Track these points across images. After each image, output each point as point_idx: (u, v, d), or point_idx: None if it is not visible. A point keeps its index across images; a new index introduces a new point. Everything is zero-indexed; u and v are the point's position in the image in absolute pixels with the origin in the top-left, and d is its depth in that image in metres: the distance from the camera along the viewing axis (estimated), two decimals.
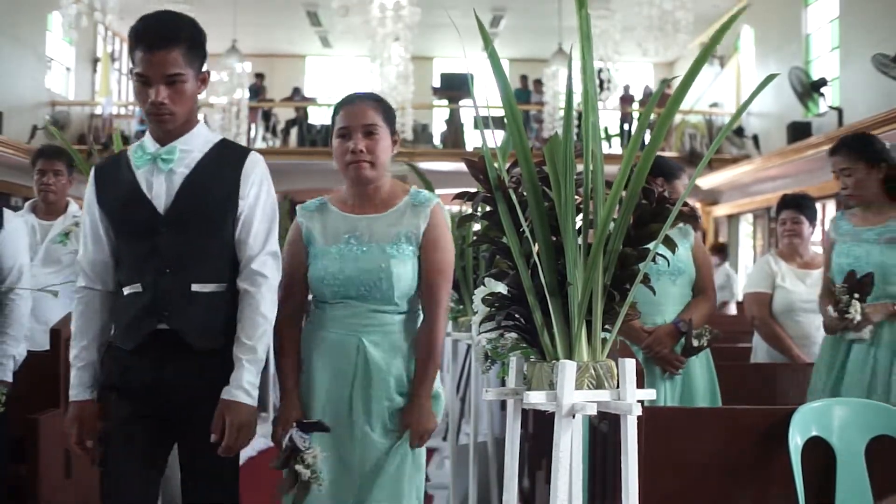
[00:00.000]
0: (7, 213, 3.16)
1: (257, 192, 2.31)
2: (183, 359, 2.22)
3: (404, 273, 2.35)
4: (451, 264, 2.45)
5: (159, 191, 2.26)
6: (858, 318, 3.14)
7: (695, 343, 3.10)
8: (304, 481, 2.23)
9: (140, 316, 2.24)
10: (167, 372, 2.22)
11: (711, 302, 3.41)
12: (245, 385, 2.21)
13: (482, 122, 1.83)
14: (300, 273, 2.42)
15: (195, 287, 2.25)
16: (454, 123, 15.93)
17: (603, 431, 2.81)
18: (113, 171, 2.33)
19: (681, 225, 3.33)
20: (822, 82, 11.89)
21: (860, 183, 3.30)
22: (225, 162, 2.32)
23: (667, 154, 12.69)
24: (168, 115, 2.22)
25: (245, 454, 5.45)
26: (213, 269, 2.27)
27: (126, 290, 2.28)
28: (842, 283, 3.19)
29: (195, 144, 2.31)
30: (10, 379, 3.05)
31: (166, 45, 2.19)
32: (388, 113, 2.44)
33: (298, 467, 2.23)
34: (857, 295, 3.13)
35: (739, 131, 14.80)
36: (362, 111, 2.38)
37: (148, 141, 2.31)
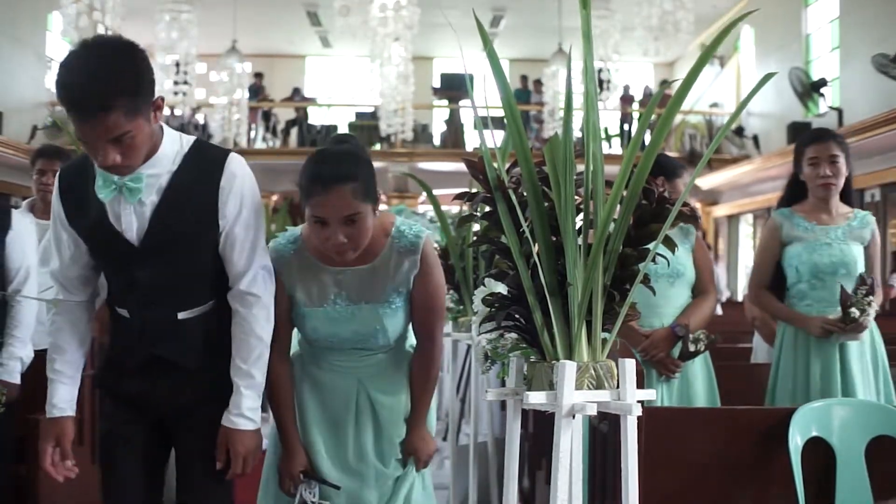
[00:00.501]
0: (15, 213, 3.15)
1: (238, 206, 2.08)
2: (177, 376, 2.14)
3: (398, 323, 2.28)
4: (444, 299, 2.40)
5: (129, 223, 2.05)
6: (871, 319, 3.14)
7: (691, 348, 3.08)
8: None
9: (132, 343, 2.14)
10: (160, 387, 2.15)
11: (712, 302, 3.40)
12: (245, 412, 2.13)
13: (482, 123, 1.83)
14: (285, 315, 2.25)
15: (182, 315, 2.12)
16: (454, 123, 15.93)
17: (603, 431, 2.81)
18: (79, 186, 2.09)
19: (682, 224, 3.32)
20: (822, 82, 11.90)
21: (841, 175, 3.31)
22: (198, 179, 2.06)
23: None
24: (125, 167, 1.96)
25: None
26: (198, 294, 2.13)
27: (117, 309, 2.18)
28: (858, 285, 3.17)
29: (163, 166, 2.04)
30: (17, 381, 3.05)
31: (101, 112, 1.85)
32: (367, 184, 2.11)
33: None
34: (872, 298, 3.13)
35: (739, 131, 14.81)
36: (340, 201, 2.06)
37: None
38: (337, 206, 2.05)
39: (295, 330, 2.34)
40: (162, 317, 2.11)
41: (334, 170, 2.08)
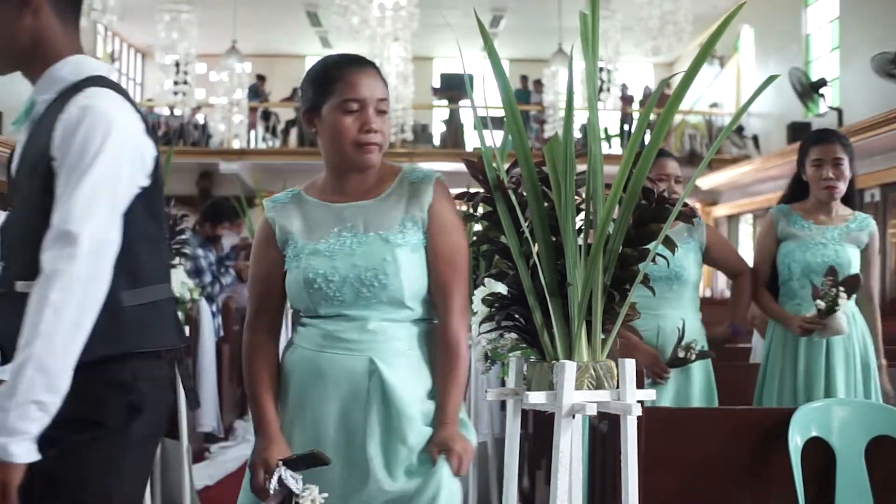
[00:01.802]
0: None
1: (80, 147, 1.59)
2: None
3: (414, 266, 1.86)
4: (467, 258, 1.97)
5: (17, 153, 1.76)
6: (845, 312, 3.11)
7: (680, 354, 3.07)
8: None
9: None
10: None
11: (744, 283, 3.38)
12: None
13: (481, 123, 1.83)
14: (274, 282, 1.92)
15: (19, 287, 1.62)
16: (454, 124, 15.93)
17: (603, 431, 2.81)
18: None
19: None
20: (822, 83, 11.90)
21: (844, 178, 3.30)
22: (54, 110, 1.66)
23: None
24: None
25: (245, 454, 5.47)
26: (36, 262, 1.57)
27: None
28: (826, 277, 3.15)
29: (48, 90, 1.72)
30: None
31: None
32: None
33: None
34: (842, 288, 3.11)
35: (739, 131, 14.81)
36: (375, 81, 1.89)
37: None
38: (373, 85, 1.87)
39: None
40: (3, 285, 1.68)
41: (360, 57, 1.95)
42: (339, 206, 1.92)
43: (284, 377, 1.92)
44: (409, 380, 1.84)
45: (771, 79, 1.74)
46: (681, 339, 3.06)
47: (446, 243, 1.91)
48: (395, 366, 1.84)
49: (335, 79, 1.87)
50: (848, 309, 3.18)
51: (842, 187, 3.29)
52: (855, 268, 3.28)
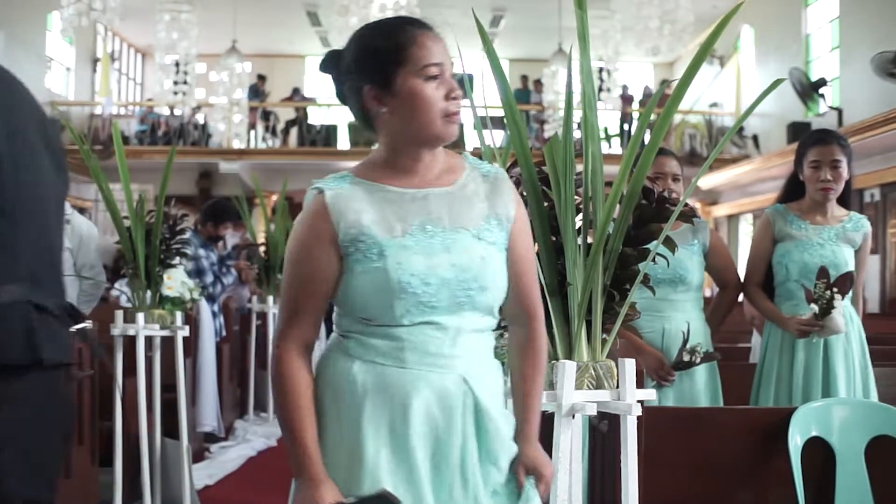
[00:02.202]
0: None
1: None
2: None
3: (503, 268, 1.63)
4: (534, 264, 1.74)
5: None
6: (840, 312, 3.11)
7: (685, 358, 3.07)
8: None
9: None
10: None
11: (730, 297, 3.40)
12: None
13: (482, 123, 1.83)
14: (322, 285, 1.59)
15: None
16: None
17: (603, 431, 2.81)
18: None
19: (695, 219, 3.31)
20: (822, 82, 11.90)
21: (842, 180, 3.30)
22: None
23: None
24: None
25: (245, 454, 5.48)
26: None
27: None
28: (819, 280, 3.14)
29: None
30: None
31: None
32: None
33: None
34: (835, 289, 3.11)
35: (739, 131, 14.81)
36: (443, 43, 1.63)
37: None
38: (443, 48, 1.62)
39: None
40: None
41: (417, 18, 1.67)
42: (414, 194, 1.61)
43: (333, 395, 1.59)
44: (496, 397, 1.64)
45: (777, 83, 1.74)
46: (685, 342, 3.05)
47: (527, 245, 1.70)
48: (485, 382, 1.60)
49: (406, 43, 1.58)
50: (845, 311, 3.18)
51: (838, 188, 3.29)
52: (850, 268, 3.28)
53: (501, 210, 1.63)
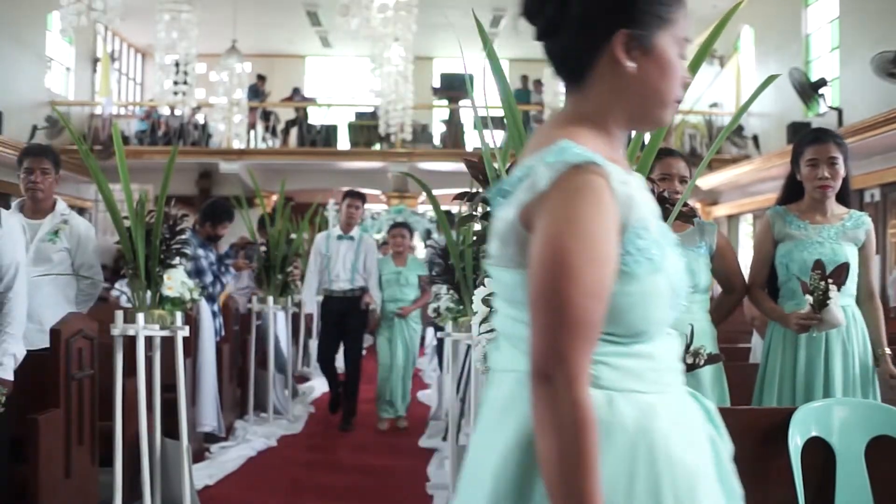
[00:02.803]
0: (3, 212, 3.19)
1: None
2: None
3: None
4: None
5: None
6: (836, 303, 3.11)
7: (688, 360, 3.06)
8: None
9: None
10: None
11: (733, 301, 3.42)
12: None
13: (482, 123, 1.83)
14: (604, 293, 1.20)
15: None
16: (454, 123, 15.93)
17: None
18: None
19: (701, 221, 3.30)
20: (822, 82, 11.90)
21: (839, 177, 3.30)
22: None
23: None
24: None
25: (245, 454, 5.48)
26: None
27: None
28: (814, 272, 3.15)
29: None
30: (11, 377, 3.06)
31: None
32: None
33: None
34: (830, 281, 3.12)
35: (739, 131, 14.82)
36: None
37: None
38: None
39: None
40: None
41: None
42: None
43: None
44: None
45: (770, 79, 1.75)
46: (688, 345, 3.06)
47: None
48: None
49: (680, 5, 1.33)
50: (848, 310, 3.18)
51: (836, 185, 3.30)
52: (854, 266, 3.28)
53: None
